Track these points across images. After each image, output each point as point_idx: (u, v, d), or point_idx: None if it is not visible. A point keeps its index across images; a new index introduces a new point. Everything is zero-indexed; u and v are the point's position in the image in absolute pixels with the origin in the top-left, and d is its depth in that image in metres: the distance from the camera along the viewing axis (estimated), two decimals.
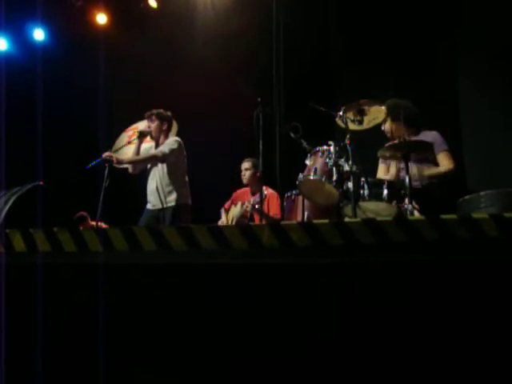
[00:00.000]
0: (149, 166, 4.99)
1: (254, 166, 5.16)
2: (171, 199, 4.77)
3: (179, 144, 4.89)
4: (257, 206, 4.58)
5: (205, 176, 5.46)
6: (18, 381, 2.12)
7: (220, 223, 5.12)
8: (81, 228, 5.00)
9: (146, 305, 2.11)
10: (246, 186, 5.32)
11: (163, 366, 2.05)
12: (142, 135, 4.97)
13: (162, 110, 5.01)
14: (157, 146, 5.01)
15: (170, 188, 4.80)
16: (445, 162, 3.96)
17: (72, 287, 2.18)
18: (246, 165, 5.25)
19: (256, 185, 5.12)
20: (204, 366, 2.03)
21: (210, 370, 2.02)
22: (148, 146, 5.16)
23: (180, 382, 2.05)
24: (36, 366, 2.08)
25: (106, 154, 4.58)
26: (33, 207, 4.80)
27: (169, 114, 5.05)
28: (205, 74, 6.11)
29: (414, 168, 3.86)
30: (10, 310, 2.13)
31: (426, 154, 3.88)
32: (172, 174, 4.83)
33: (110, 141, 6.25)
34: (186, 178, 4.98)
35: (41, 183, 3.79)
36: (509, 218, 1.86)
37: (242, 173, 5.27)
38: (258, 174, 5.09)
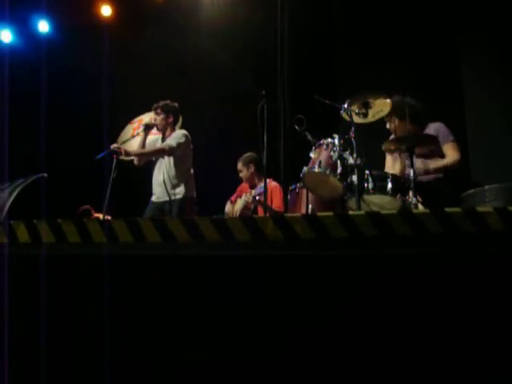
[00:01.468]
0: (154, 158, 4.98)
1: (245, 164, 5.18)
2: (178, 192, 4.77)
3: (186, 137, 4.88)
4: (257, 198, 4.59)
5: (209, 169, 5.46)
6: (21, 371, 2.13)
7: (226, 212, 5.13)
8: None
9: (150, 296, 2.11)
10: None
11: (168, 357, 2.06)
12: (147, 128, 4.97)
13: (168, 102, 4.98)
14: (163, 138, 5.00)
15: (177, 181, 4.80)
16: (450, 153, 3.94)
17: (76, 278, 2.19)
18: (238, 166, 5.26)
19: (253, 179, 5.15)
20: (207, 357, 2.03)
21: (214, 363, 2.02)
22: (154, 138, 5.15)
23: (185, 371, 2.06)
24: (39, 356, 2.09)
25: (114, 146, 4.59)
26: (37, 199, 4.82)
27: (175, 105, 5.03)
28: (210, 66, 6.09)
29: (419, 162, 3.84)
30: (13, 300, 2.14)
31: (431, 147, 3.87)
32: (179, 166, 4.82)
33: (115, 133, 6.26)
34: (192, 171, 4.98)
35: (45, 175, 3.79)
36: None
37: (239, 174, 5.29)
38: (252, 170, 5.13)
